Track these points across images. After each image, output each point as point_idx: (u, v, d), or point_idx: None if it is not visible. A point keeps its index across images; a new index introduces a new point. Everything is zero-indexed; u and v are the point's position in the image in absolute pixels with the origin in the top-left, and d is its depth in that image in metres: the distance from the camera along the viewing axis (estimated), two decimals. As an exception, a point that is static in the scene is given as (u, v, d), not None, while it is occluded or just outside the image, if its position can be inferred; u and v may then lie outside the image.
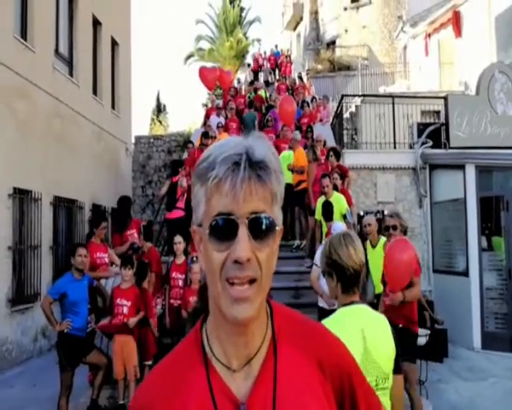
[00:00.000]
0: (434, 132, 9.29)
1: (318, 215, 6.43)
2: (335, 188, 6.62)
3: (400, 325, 4.03)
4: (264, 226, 0.76)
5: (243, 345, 0.81)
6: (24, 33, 8.47)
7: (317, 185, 7.04)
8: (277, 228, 0.79)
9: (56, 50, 9.81)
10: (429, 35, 15.36)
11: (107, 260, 5.67)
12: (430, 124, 9.65)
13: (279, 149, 8.69)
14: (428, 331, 5.61)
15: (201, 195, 0.78)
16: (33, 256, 8.16)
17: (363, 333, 1.80)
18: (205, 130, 10.46)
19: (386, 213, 7.59)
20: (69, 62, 10.45)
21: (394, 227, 4.51)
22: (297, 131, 8.83)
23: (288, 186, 7.98)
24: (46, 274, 8.44)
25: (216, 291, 0.77)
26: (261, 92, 14.25)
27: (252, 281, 0.75)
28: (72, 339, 4.66)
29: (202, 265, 0.82)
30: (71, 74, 10.35)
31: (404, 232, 4.63)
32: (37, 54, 8.66)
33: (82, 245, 5.19)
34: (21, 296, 7.73)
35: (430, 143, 9.18)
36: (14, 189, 7.66)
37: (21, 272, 7.88)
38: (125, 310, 4.96)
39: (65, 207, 9.65)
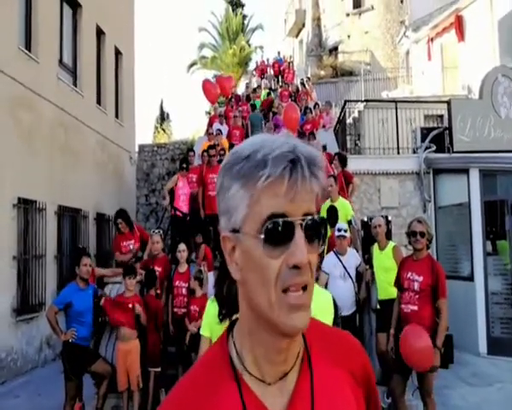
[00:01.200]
0: (438, 137, 9.27)
1: None
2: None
3: None
4: (317, 228, 0.72)
5: (281, 362, 0.77)
6: (28, 44, 8.57)
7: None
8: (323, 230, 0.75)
9: (60, 61, 9.91)
10: (432, 39, 15.36)
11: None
12: (433, 128, 9.63)
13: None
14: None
15: (242, 196, 0.71)
16: (38, 266, 8.20)
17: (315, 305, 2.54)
18: (208, 138, 10.51)
19: (389, 218, 7.58)
20: (73, 72, 10.55)
21: (422, 234, 4.15)
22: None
23: None
24: (51, 284, 8.47)
25: (267, 303, 0.70)
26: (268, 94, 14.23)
27: (305, 287, 0.71)
28: (77, 348, 4.67)
29: (237, 275, 0.75)
30: (75, 84, 10.44)
31: (430, 241, 4.28)
32: (41, 64, 8.75)
33: (86, 254, 5.22)
34: (26, 306, 7.76)
35: (434, 148, 9.16)
36: (19, 199, 7.72)
37: (26, 281, 7.91)
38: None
39: (69, 217, 9.70)
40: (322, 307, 2.74)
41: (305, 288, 0.71)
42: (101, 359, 5.07)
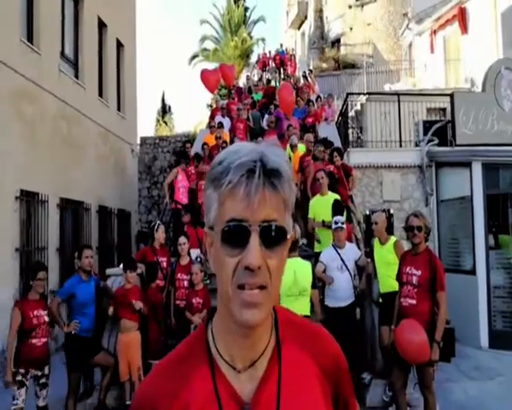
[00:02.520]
0: (440, 130, 9.24)
1: (312, 213, 6.32)
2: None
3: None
4: (275, 235, 0.76)
5: (249, 348, 0.83)
6: (30, 36, 8.53)
7: (315, 186, 6.97)
8: (288, 237, 0.79)
9: (62, 53, 9.87)
10: (435, 32, 15.25)
11: (46, 318, 4.58)
12: (436, 121, 9.59)
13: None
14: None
15: (214, 199, 0.78)
16: (40, 258, 8.21)
17: (295, 271, 4.32)
18: (210, 131, 10.49)
19: (391, 211, 7.58)
20: (75, 65, 10.52)
21: (419, 228, 4.13)
22: (294, 136, 8.77)
23: None
24: (53, 275, 8.49)
25: (226, 295, 0.78)
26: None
27: (261, 287, 0.76)
28: (80, 340, 4.69)
29: (212, 267, 0.83)
30: (77, 76, 10.41)
31: (427, 234, 4.26)
32: (43, 56, 8.72)
33: (88, 246, 5.24)
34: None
35: (436, 141, 9.13)
36: (21, 191, 7.72)
37: (29, 273, 7.92)
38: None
39: (71, 209, 9.71)
40: (303, 272, 4.46)
41: (262, 288, 0.76)
42: (103, 350, 5.11)
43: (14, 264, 7.50)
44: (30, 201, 8.05)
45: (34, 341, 4.38)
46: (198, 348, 0.86)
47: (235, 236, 0.75)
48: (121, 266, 5.64)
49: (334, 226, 5.29)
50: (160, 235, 5.96)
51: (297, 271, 4.42)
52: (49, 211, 8.54)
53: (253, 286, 0.75)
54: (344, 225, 5.37)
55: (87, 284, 4.91)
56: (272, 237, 0.76)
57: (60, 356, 5.11)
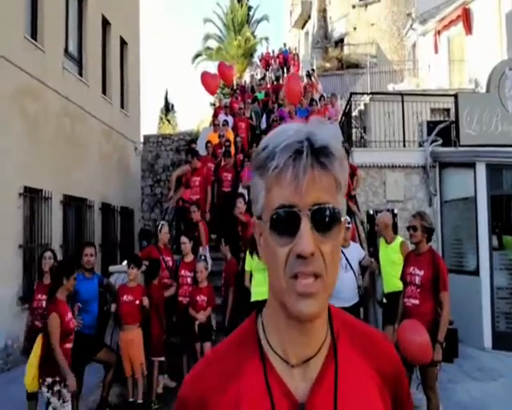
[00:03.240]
0: (444, 130, 9.21)
1: None
2: None
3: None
4: (327, 218, 0.71)
5: (304, 344, 0.78)
6: (34, 33, 8.55)
7: None
8: (342, 219, 0.74)
9: (66, 50, 9.89)
10: (439, 32, 15.22)
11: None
12: (440, 122, 9.56)
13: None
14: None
15: (260, 186, 0.75)
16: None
17: None
18: (214, 129, 10.48)
19: (395, 211, 7.56)
20: (79, 62, 10.53)
21: (414, 228, 4.22)
22: None
23: None
24: (56, 272, 8.50)
25: (279, 286, 0.73)
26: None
27: (316, 276, 0.71)
28: (82, 337, 4.68)
29: (262, 258, 0.79)
30: (80, 74, 10.42)
31: (429, 234, 4.26)
32: (47, 54, 8.73)
33: (89, 244, 5.24)
34: (32, 294, 7.78)
35: (440, 142, 9.10)
36: (25, 188, 7.73)
37: (32, 270, 7.95)
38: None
39: (74, 206, 9.73)
40: None
41: (317, 276, 0.71)
42: (105, 347, 5.10)
43: (18, 260, 7.52)
44: (33, 197, 8.06)
45: (68, 345, 4.13)
46: (248, 340, 0.82)
47: (285, 223, 0.71)
48: (124, 262, 5.64)
49: None
50: (164, 235, 5.97)
51: None
52: (53, 208, 8.56)
53: (308, 275, 0.70)
54: (350, 225, 5.37)
55: (90, 281, 4.91)
56: (324, 220, 0.71)
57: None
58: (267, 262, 0.76)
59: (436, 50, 15.33)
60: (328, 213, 0.71)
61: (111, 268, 6.36)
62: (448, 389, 5.72)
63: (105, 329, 5.37)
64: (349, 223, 5.35)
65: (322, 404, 0.76)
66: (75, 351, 4.68)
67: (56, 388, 3.94)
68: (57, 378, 3.95)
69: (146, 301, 5.02)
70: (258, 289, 5.28)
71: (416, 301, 4.11)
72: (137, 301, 5.04)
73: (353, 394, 0.78)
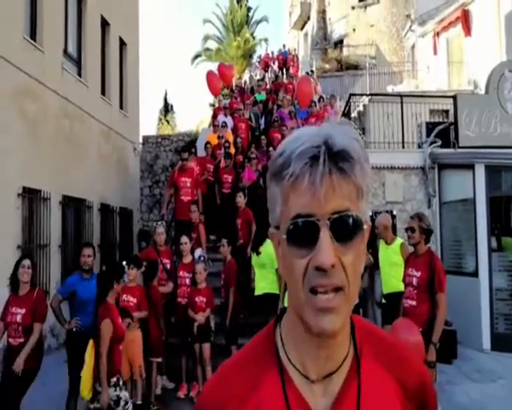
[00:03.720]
0: (443, 132, 9.21)
1: None
2: None
3: (420, 329, 4.00)
4: (348, 227, 0.67)
5: (324, 359, 0.74)
6: (33, 34, 8.53)
7: None
8: (365, 226, 0.70)
9: (65, 51, 9.87)
10: (438, 34, 15.25)
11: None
12: (439, 123, 9.57)
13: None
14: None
15: (277, 195, 0.71)
16: (42, 255, 8.22)
17: None
18: (213, 130, 10.48)
19: (394, 212, 7.57)
20: (78, 63, 10.52)
21: (412, 229, 4.25)
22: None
23: None
24: (55, 273, 8.50)
25: (298, 300, 0.70)
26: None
27: (337, 289, 0.67)
28: (81, 337, 4.67)
29: (280, 270, 0.75)
30: (79, 74, 10.41)
31: (427, 236, 4.27)
32: (46, 54, 8.72)
33: (88, 245, 5.22)
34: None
35: (439, 143, 9.10)
36: (24, 188, 7.72)
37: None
38: (131, 306, 5.00)
39: (73, 207, 9.71)
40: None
41: (337, 289, 0.67)
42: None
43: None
44: (32, 198, 8.05)
45: (120, 348, 4.17)
46: (266, 351, 0.78)
47: (302, 234, 0.67)
48: (123, 263, 5.63)
49: None
50: (159, 236, 5.93)
51: None
52: (52, 208, 8.54)
53: (328, 289, 0.66)
54: None
55: (88, 281, 4.90)
56: (345, 229, 0.67)
57: (61, 354, 5.10)
58: (285, 274, 0.73)
59: (435, 52, 15.36)
60: (349, 221, 0.67)
61: (110, 269, 6.34)
62: (447, 391, 5.72)
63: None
64: None
65: None
66: (73, 352, 4.69)
67: (121, 382, 4.04)
68: (118, 375, 4.03)
69: (143, 314, 5.01)
70: (258, 284, 5.29)
71: (413, 303, 4.13)
72: (136, 301, 5.04)
73: (377, 408, 0.75)
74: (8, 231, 7.26)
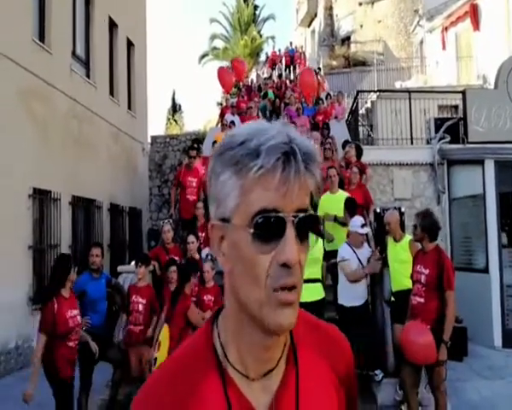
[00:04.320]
0: (452, 127, 9.13)
1: (321, 211, 6.32)
2: (341, 183, 6.55)
3: (429, 327, 3.98)
4: (310, 226, 0.68)
5: (267, 360, 0.74)
6: (42, 36, 8.63)
7: (324, 184, 6.97)
8: (321, 227, 0.71)
9: (73, 52, 9.97)
10: (446, 28, 15.10)
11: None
12: (448, 119, 9.49)
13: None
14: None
15: (233, 185, 0.67)
16: (53, 255, 8.29)
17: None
18: (221, 129, 10.50)
19: (402, 209, 7.52)
20: (86, 64, 10.61)
21: (415, 226, 4.29)
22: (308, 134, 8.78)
23: None
24: (65, 273, 8.58)
25: (256, 300, 0.67)
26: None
27: (294, 287, 0.67)
28: (91, 336, 4.72)
29: (224, 266, 0.72)
30: (88, 76, 10.50)
31: (430, 233, 4.20)
32: (54, 56, 8.81)
33: (96, 245, 5.27)
34: (41, 295, 7.88)
35: (448, 139, 9.02)
36: (34, 189, 7.81)
37: (41, 270, 8.03)
38: (141, 307, 5.01)
39: (83, 207, 9.81)
40: (316, 244, 4.39)
41: (291, 288, 0.67)
42: (114, 346, 5.14)
43: (28, 261, 7.60)
44: (42, 199, 8.14)
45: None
46: (203, 354, 0.76)
47: (270, 229, 0.65)
48: (133, 263, 5.67)
49: (360, 231, 5.23)
50: (167, 234, 5.94)
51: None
52: (62, 209, 8.64)
53: (290, 287, 0.66)
54: (367, 230, 5.40)
55: (98, 281, 4.95)
56: (307, 228, 0.68)
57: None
58: (237, 272, 0.69)
59: (444, 47, 15.21)
60: (311, 220, 0.68)
61: (119, 268, 6.41)
62: (457, 388, 5.68)
63: (113, 328, 5.41)
64: (364, 227, 5.34)
65: None
66: (83, 351, 4.73)
67: None
68: None
69: (150, 332, 4.97)
70: None
71: (422, 300, 4.11)
72: (145, 303, 5.05)
73: (315, 399, 0.77)
74: (19, 231, 7.36)
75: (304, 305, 3.23)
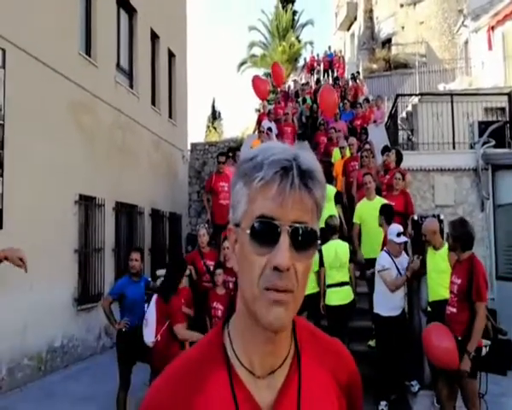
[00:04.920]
0: (497, 131, 8.80)
1: (357, 218, 6.27)
2: (378, 190, 6.47)
3: (459, 338, 3.88)
4: (306, 237, 0.73)
5: (270, 354, 0.80)
6: (88, 49, 9.05)
7: (359, 192, 6.91)
8: (318, 242, 0.77)
9: (118, 64, 10.37)
10: (492, 28, 14.50)
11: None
12: (493, 122, 9.13)
13: (329, 152, 8.62)
14: (489, 342, 5.29)
15: (243, 194, 0.76)
16: (97, 258, 8.70)
17: (336, 249, 5.61)
18: (259, 136, 10.61)
19: (441, 217, 7.28)
20: (129, 75, 11.03)
21: (447, 236, 4.27)
22: (343, 139, 8.72)
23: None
24: (109, 275, 8.96)
25: (252, 294, 0.74)
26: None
27: (287, 291, 0.73)
28: (130, 337, 4.91)
29: (235, 266, 0.80)
30: (131, 86, 10.91)
31: (461, 243, 4.06)
32: (100, 69, 9.22)
33: (136, 249, 5.45)
34: (86, 296, 8.27)
35: (493, 143, 8.68)
36: (80, 196, 8.21)
37: (86, 273, 8.42)
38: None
39: (126, 213, 10.18)
40: (342, 250, 5.63)
41: (288, 291, 0.73)
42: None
43: (74, 264, 7.99)
44: (88, 205, 8.54)
45: None
46: (214, 351, 0.82)
47: (265, 233, 0.72)
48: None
49: (396, 240, 5.16)
50: (202, 238, 6.05)
51: (337, 248, 5.65)
52: (106, 214, 9.01)
53: (280, 289, 0.72)
54: (405, 239, 5.33)
55: (137, 284, 5.13)
56: (303, 239, 0.73)
57: (114, 352, 5.37)
58: (241, 270, 0.77)
59: (490, 47, 14.61)
60: (306, 232, 0.73)
61: (158, 272, 6.60)
62: (501, 404, 5.43)
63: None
64: (402, 235, 5.26)
65: None
66: (123, 350, 4.93)
67: None
68: None
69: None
70: None
71: (454, 310, 4.01)
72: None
73: (315, 403, 0.82)
74: (66, 236, 7.76)
75: (334, 308, 4.62)
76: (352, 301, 5.61)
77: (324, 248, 5.65)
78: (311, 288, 5.56)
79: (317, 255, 5.27)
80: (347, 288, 5.58)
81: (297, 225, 0.73)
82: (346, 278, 5.55)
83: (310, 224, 0.74)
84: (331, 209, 6.53)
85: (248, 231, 0.73)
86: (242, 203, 0.76)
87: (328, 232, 5.76)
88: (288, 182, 0.72)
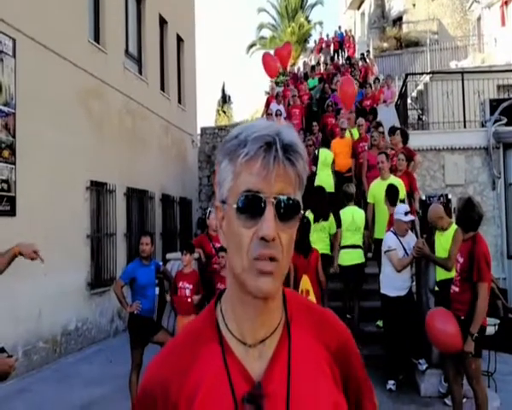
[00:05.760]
0: (509, 109, 8.62)
1: (371, 198, 6.28)
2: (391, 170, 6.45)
3: (462, 318, 3.87)
4: (289, 208, 0.77)
5: (260, 323, 0.83)
6: (97, 37, 9.07)
7: (370, 172, 6.88)
8: (301, 212, 0.80)
9: (126, 50, 10.39)
10: (506, 3, 14.13)
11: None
12: (504, 100, 8.95)
13: (335, 134, 8.58)
14: (498, 321, 5.29)
15: (229, 171, 0.79)
16: (109, 243, 8.86)
17: (353, 214, 6.16)
18: (267, 119, 10.58)
19: (449, 196, 7.23)
20: (138, 61, 11.04)
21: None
22: (343, 120, 8.64)
23: (338, 173, 8.00)
24: (121, 260, 9.12)
25: (240, 266, 0.78)
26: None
27: (273, 259, 0.76)
28: (141, 320, 5.03)
29: (223, 241, 0.84)
30: (140, 72, 10.93)
31: (465, 225, 4.03)
32: (109, 55, 9.25)
33: (146, 234, 5.54)
34: (99, 280, 8.45)
35: (504, 121, 8.54)
36: (91, 182, 8.33)
37: (99, 258, 8.59)
38: (188, 292, 5.27)
39: (137, 198, 10.31)
40: (358, 215, 6.15)
41: (272, 259, 0.77)
42: (163, 330, 5.42)
43: (86, 249, 8.15)
44: (99, 190, 8.66)
45: None
46: (207, 326, 0.87)
47: (251, 206, 0.76)
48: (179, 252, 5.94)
49: (403, 218, 5.12)
50: (212, 222, 6.11)
51: (354, 213, 6.14)
52: (117, 200, 9.14)
53: (266, 258, 0.76)
54: (412, 217, 5.32)
55: (147, 267, 5.22)
56: (287, 210, 0.77)
57: (127, 335, 5.51)
58: (230, 243, 0.81)
59: (503, 23, 14.25)
60: (290, 203, 0.78)
61: (168, 256, 6.72)
62: (508, 382, 5.47)
63: (162, 312, 5.72)
64: (408, 215, 5.24)
65: (276, 381, 0.81)
66: (135, 332, 5.06)
67: None
68: None
69: (196, 298, 5.25)
70: (316, 246, 5.51)
71: (457, 289, 3.99)
72: (192, 288, 5.29)
73: (306, 371, 0.84)
74: (78, 222, 7.91)
75: (346, 268, 5.28)
76: (363, 264, 6.10)
77: (342, 212, 6.19)
78: (324, 249, 6.01)
79: (333, 220, 6.02)
80: (359, 251, 6.11)
81: (281, 196, 0.77)
82: (360, 243, 6.13)
83: (293, 195, 0.78)
84: (328, 174, 7.53)
85: (235, 206, 0.77)
86: (228, 180, 0.79)
87: (345, 199, 6.30)
88: (271, 156, 0.75)
